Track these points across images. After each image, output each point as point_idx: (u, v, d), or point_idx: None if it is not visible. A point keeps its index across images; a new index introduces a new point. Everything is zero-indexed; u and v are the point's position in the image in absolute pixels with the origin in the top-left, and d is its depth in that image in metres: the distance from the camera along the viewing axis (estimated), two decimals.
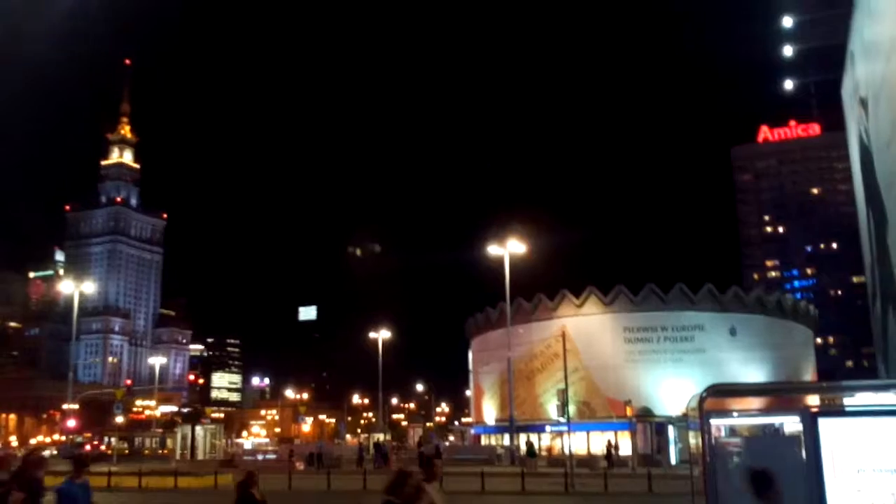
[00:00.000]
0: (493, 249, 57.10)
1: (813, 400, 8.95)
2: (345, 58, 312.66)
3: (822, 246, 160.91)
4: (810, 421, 7.53)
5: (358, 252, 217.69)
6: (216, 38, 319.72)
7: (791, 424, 9.05)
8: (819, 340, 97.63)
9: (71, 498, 9.23)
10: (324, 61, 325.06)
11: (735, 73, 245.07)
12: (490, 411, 73.34)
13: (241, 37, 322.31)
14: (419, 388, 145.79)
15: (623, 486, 30.90)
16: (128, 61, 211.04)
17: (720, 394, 8.09)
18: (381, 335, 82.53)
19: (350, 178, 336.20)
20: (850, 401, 8.84)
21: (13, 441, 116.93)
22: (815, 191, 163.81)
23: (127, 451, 71.33)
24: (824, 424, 7.52)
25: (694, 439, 8.84)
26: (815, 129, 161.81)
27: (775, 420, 9.83)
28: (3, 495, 9.12)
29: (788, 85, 35.84)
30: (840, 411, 8.02)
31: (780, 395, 9.40)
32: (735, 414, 9.63)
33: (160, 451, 74.81)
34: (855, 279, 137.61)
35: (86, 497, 9.46)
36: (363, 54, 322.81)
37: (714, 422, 8.45)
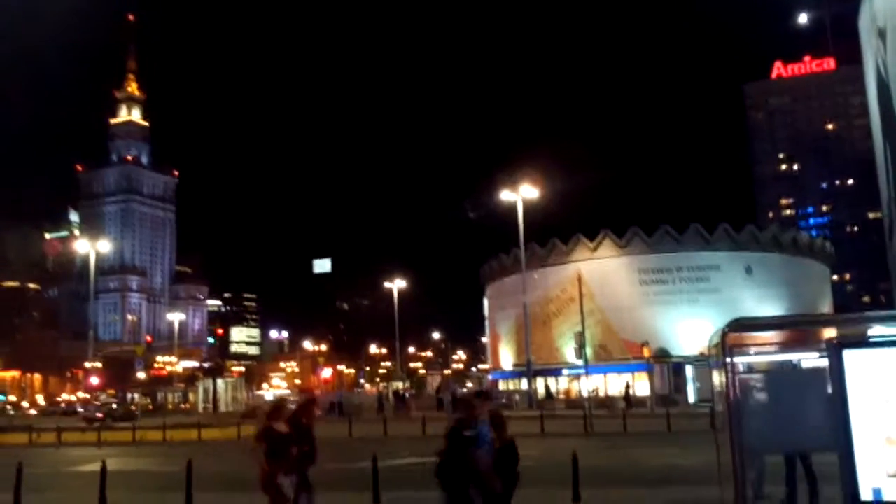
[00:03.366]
0: (505, 195, 56.90)
1: (834, 332, 8.83)
2: (356, 9, 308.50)
3: (837, 182, 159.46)
4: (835, 353, 7.41)
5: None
6: None
7: (812, 360, 8.97)
8: (835, 277, 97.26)
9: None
10: (336, 13, 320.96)
11: (748, 7, 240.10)
12: (507, 357, 73.85)
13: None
14: (436, 336, 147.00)
15: (642, 426, 31.13)
16: (131, 17, 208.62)
17: (742, 328, 7.97)
18: (396, 285, 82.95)
19: (361, 127, 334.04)
20: (872, 332, 8.71)
21: (40, 399, 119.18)
22: (829, 126, 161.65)
23: (150, 407, 72.53)
24: (849, 356, 7.40)
25: (716, 377, 8.75)
26: (829, 63, 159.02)
27: (798, 355, 9.75)
28: (285, 448, 9.14)
29: (803, 19, 35.15)
30: (864, 342, 7.88)
31: (803, 327, 9.27)
32: (754, 351, 9.54)
33: (183, 406, 76.05)
34: (871, 215, 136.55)
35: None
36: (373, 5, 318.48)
37: (737, 359, 8.36)
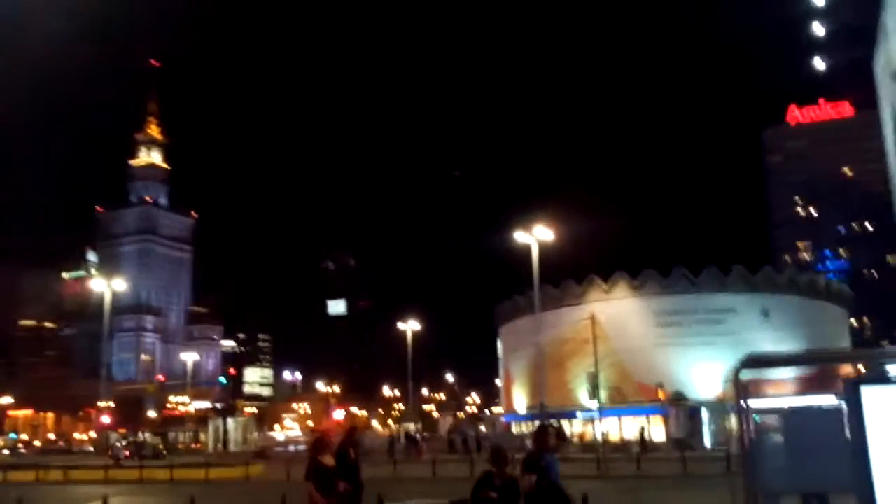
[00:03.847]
0: (519, 236, 56.66)
1: (849, 371, 8.55)
2: (373, 39, 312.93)
3: (854, 226, 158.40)
4: (852, 390, 7.13)
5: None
6: (242, 35, 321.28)
7: (828, 399, 8.68)
8: (853, 321, 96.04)
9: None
10: (352, 51, 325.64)
11: (764, 52, 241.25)
12: (520, 399, 73.02)
13: (267, 34, 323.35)
14: (449, 378, 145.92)
15: (657, 469, 30.50)
16: (155, 62, 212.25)
17: (757, 363, 7.70)
18: (410, 326, 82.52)
19: (374, 170, 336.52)
20: (892, 369, 8.42)
21: (51, 437, 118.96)
22: (846, 171, 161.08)
23: (162, 447, 72.00)
24: (867, 393, 7.11)
25: (731, 418, 8.48)
26: (845, 107, 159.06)
27: (814, 396, 9.45)
28: (331, 483, 8.85)
29: (819, 63, 35.14)
30: (884, 378, 7.59)
31: (818, 363, 8.98)
32: (770, 391, 9.26)
33: (193, 445, 75.47)
34: (890, 259, 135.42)
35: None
36: (390, 33, 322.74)
37: (752, 400, 8.08)
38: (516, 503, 8.12)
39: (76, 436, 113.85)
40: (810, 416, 8.39)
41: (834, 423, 7.74)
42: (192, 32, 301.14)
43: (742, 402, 7.80)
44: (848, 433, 7.25)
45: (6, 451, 75.68)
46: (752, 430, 7.98)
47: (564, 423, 63.43)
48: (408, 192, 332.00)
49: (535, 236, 54.75)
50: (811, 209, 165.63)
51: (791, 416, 8.42)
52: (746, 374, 7.94)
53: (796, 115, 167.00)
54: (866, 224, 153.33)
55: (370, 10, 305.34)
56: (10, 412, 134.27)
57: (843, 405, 7.39)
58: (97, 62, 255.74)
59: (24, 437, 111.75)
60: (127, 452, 57.31)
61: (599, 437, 41.15)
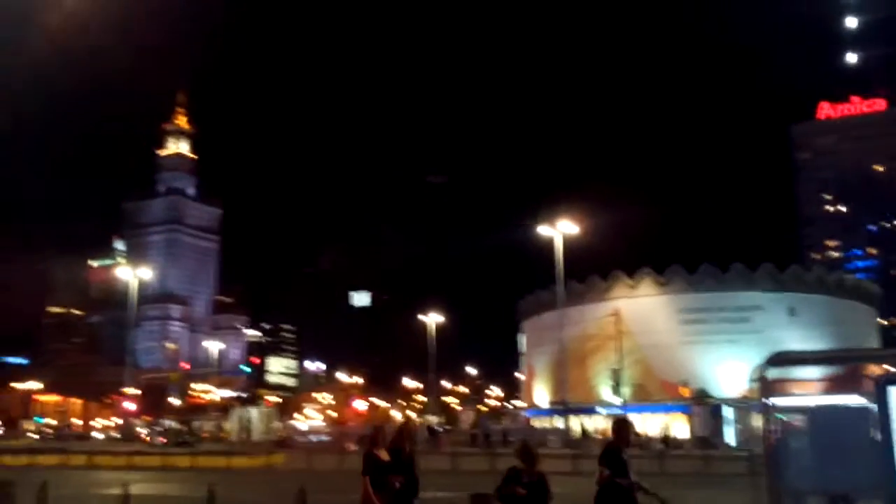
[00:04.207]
0: (544, 230, 56.33)
1: (877, 371, 8.37)
2: (397, 32, 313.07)
3: (885, 225, 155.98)
4: (881, 389, 6.96)
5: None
6: (271, 27, 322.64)
7: (854, 399, 8.50)
8: (883, 321, 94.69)
9: None
10: (377, 44, 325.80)
11: (794, 47, 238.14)
12: (542, 394, 72.81)
13: (294, 26, 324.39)
14: (471, 371, 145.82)
15: (679, 467, 30.20)
16: (181, 56, 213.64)
17: (784, 362, 7.52)
18: (433, 319, 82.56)
19: (398, 161, 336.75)
20: None
21: (77, 423, 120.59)
22: (877, 168, 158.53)
23: (165, 439, 72.97)
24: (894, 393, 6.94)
25: (755, 417, 8.34)
26: (880, 104, 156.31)
27: (840, 396, 9.25)
28: (386, 478, 8.57)
29: (851, 58, 34.56)
30: None
31: (846, 362, 8.79)
32: (796, 390, 9.08)
33: (221, 435, 75.98)
34: None
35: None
36: (412, 27, 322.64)
37: (779, 399, 7.91)
38: (545, 502, 7.96)
39: (97, 422, 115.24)
40: (836, 415, 8.20)
41: (861, 423, 7.57)
42: (220, 25, 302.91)
43: (767, 400, 7.65)
44: (875, 433, 7.10)
45: (35, 436, 76.89)
46: (777, 430, 7.82)
47: (585, 420, 63.23)
48: (433, 182, 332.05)
49: (560, 231, 54.47)
50: (840, 207, 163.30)
51: (817, 416, 8.24)
52: (773, 373, 7.80)
53: (828, 112, 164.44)
54: None
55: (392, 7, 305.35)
56: (38, 397, 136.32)
57: (869, 405, 7.23)
58: (128, 53, 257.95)
59: (52, 421, 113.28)
60: (163, 439, 59.64)
61: None
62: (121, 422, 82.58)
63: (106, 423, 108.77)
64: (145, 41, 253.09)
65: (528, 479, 7.83)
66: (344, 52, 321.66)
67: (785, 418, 8.27)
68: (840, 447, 7.76)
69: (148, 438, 65.20)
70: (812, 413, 8.22)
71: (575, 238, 55.87)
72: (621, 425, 8.87)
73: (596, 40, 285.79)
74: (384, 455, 8.80)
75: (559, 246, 54.79)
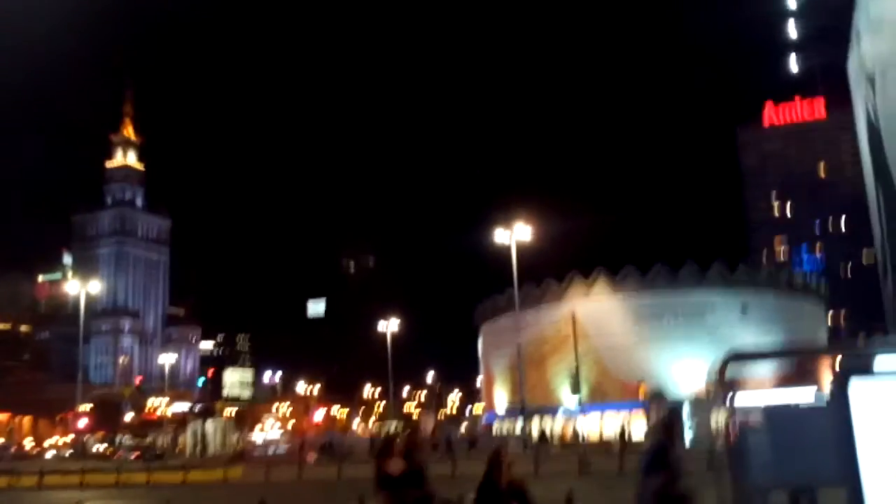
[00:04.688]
0: (499, 235, 56.50)
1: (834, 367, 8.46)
2: (344, 41, 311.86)
3: (829, 224, 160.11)
4: (839, 383, 7.04)
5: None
6: (217, 36, 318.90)
7: (811, 394, 8.58)
8: (830, 317, 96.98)
9: None
10: (323, 54, 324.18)
11: (739, 53, 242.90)
12: (501, 398, 73.00)
13: (242, 35, 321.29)
14: (430, 377, 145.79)
15: (638, 465, 30.43)
16: (127, 63, 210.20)
17: (742, 358, 7.55)
18: (390, 326, 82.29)
19: (352, 169, 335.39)
20: (878, 362, 8.34)
21: (28, 443, 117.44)
22: (821, 169, 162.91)
23: (139, 453, 71.34)
24: (855, 386, 7.03)
25: (714, 415, 8.36)
26: (820, 105, 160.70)
27: (798, 389, 9.36)
28: (401, 493, 7.95)
29: (793, 64, 35.33)
30: (871, 371, 7.50)
31: (805, 356, 8.90)
32: (754, 386, 9.16)
33: (178, 450, 74.59)
34: (864, 256, 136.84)
35: None
36: (362, 35, 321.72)
37: (737, 395, 7.95)
38: None
39: (51, 441, 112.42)
40: (796, 410, 8.27)
41: (821, 417, 7.64)
42: (167, 31, 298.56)
43: (728, 397, 7.69)
44: (833, 427, 7.19)
45: None
46: (737, 426, 7.87)
47: (547, 421, 63.50)
48: (387, 189, 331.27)
49: (515, 234, 54.72)
50: (787, 206, 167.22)
51: (776, 411, 8.30)
52: (731, 370, 7.84)
53: (771, 115, 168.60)
54: (841, 222, 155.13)
55: (342, 10, 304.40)
56: None
57: (824, 399, 7.32)
58: (72, 62, 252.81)
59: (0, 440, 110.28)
60: (136, 453, 59.74)
61: (581, 434, 41.11)
62: (74, 439, 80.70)
63: (57, 441, 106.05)
64: (91, 48, 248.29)
65: (505, 487, 7.41)
66: (290, 60, 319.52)
67: (743, 415, 8.33)
68: (800, 442, 7.83)
69: (116, 455, 64.46)
70: (770, 409, 8.28)
71: (531, 243, 56.15)
72: (671, 420, 7.78)
73: (545, 44, 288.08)
74: (396, 467, 8.27)
75: (514, 249, 55.07)
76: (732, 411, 7.66)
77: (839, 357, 8.23)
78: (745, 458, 7.49)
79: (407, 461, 8.49)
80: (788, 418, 8.01)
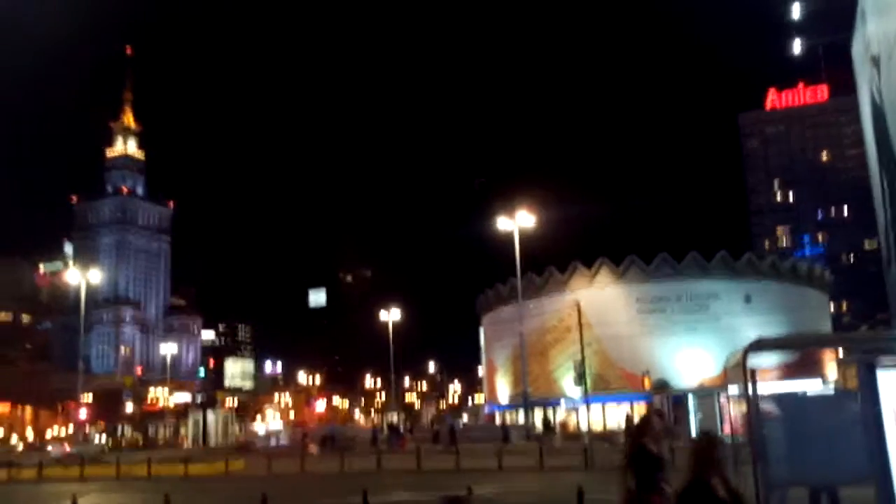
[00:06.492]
0: (502, 224, 56.00)
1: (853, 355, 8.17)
2: (347, 32, 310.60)
3: (833, 211, 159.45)
4: (866, 372, 6.72)
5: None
6: (218, 23, 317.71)
7: (817, 383, 8.28)
8: (833, 306, 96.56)
9: None
10: (326, 42, 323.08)
11: (742, 36, 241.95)
12: (503, 389, 72.73)
13: (243, 24, 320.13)
14: (431, 368, 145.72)
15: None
16: (129, 49, 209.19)
17: (766, 347, 7.22)
18: (392, 316, 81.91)
19: (356, 156, 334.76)
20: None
21: (29, 433, 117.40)
22: (824, 155, 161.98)
23: (141, 443, 71.20)
24: (883, 376, 6.72)
25: (722, 404, 7.99)
26: (823, 90, 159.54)
27: (799, 380, 9.04)
28: (653, 476, 7.14)
29: (796, 47, 34.84)
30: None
31: (829, 345, 8.56)
32: (772, 377, 8.84)
33: (177, 440, 74.31)
34: (867, 244, 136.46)
35: None
36: (363, 27, 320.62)
37: (760, 384, 7.64)
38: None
39: (50, 433, 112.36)
40: (820, 401, 7.95)
41: (844, 406, 7.32)
42: (167, 19, 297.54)
43: (750, 387, 7.34)
44: (855, 420, 6.86)
45: None
46: (761, 418, 7.55)
47: (549, 412, 63.28)
48: (389, 180, 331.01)
49: (518, 223, 54.21)
50: (790, 194, 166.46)
51: (798, 401, 7.98)
52: (752, 360, 7.50)
53: (774, 99, 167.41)
54: (844, 209, 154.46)
55: (339, 5, 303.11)
56: None
57: (835, 390, 6.98)
58: (72, 51, 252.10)
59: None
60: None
61: (585, 427, 40.77)
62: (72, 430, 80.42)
63: (58, 432, 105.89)
64: (92, 36, 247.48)
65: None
66: (290, 50, 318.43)
67: (765, 406, 8.00)
68: (823, 435, 7.54)
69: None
70: (795, 400, 7.96)
71: (534, 233, 55.66)
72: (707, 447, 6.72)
73: (548, 32, 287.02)
74: (655, 448, 7.38)
75: (517, 238, 54.63)
76: (756, 400, 7.31)
77: (860, 347, 7.90)
78: (768, 451, 7.14)
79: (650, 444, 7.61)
80: (810, 410, 7.68)
